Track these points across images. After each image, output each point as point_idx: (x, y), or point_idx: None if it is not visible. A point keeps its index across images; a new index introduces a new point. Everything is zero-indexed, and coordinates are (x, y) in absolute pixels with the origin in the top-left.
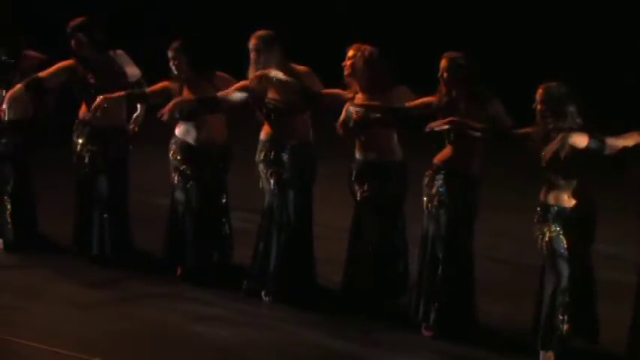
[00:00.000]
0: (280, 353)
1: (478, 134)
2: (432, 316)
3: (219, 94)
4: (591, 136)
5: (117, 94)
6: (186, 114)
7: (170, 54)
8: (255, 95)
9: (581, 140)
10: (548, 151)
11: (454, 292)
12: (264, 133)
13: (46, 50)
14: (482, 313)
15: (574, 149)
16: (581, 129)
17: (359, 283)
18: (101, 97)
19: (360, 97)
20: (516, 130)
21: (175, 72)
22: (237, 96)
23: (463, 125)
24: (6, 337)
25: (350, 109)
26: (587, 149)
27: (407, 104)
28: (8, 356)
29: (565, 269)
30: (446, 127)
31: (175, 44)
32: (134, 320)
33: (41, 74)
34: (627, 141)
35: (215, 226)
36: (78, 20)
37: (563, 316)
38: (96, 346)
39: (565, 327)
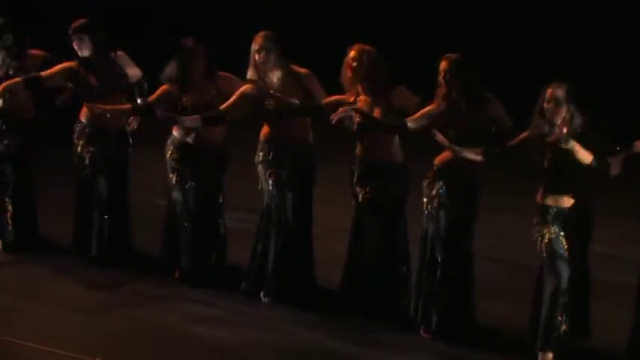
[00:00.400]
0: (280, 354)
1: (479, 159)
2: (432, 317)
3: (223, 107)
4: (596, 158)
5: (122, 107)
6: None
7: (192, 54)
8: (256, 100)
9: (584, 156)
10: (552, 137)
11: (453, 292)
12: (263, 134)
13: (46, 51)
14: (481, 314)
15: (575, 159)
16: (587, 130)
17: (359, 284)
18: (107, 108)
19: (362, 99)
20: (512, 142)
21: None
22: (240, 107)
23: (461, 157)
24: (6, 338)
25: (352, 112)
26: (589, 166)
27: (407, 119)
28: (8, 357)
29: (565, 270)
30: (447, 144)
31: (198, 46)
32: (134, 321)
33: (43, 73)
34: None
35: (212, 227)
36: (80, 21)
37: (562, 316)
38: (96, 347)
39: (564, 328)
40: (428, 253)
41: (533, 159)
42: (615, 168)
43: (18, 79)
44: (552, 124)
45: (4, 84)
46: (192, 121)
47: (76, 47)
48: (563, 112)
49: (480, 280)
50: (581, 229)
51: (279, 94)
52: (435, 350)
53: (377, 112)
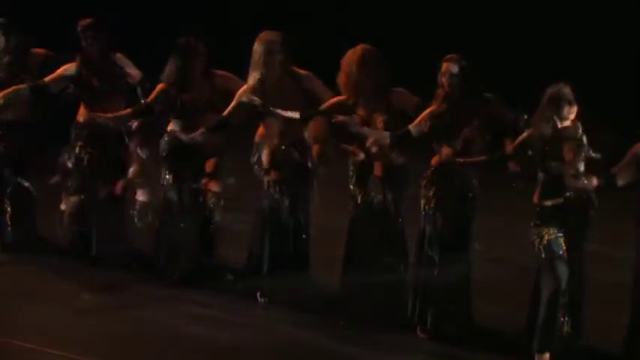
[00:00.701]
0: (277, 354)
1: (483, 160)
2: (429, 318)
3: (225, 113)
4: (600, 176)
5: (123, 112)
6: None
7: (192, 53)
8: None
9: (592, 183)
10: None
11: (450, 293)
12: (258, 135)
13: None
14: (479, 314)
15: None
16: (586, 132)
17: (357, 285)
18: (108, 116)
19: (362, 100)
20: (513, 145)
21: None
22: (239, 112)
23: (465, 163)
24: (3, 339)
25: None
26: (597, 188)
27: (410, 126)
28: (6, 358)
29: (564, 271)
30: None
31: (198, 45)
32: (132, 322)
33: (47, 79)
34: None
35: (206, 227)
36: (87, 20)
37: (564, 317)
38: (94, 348)
39: (567, 329)
40: (425, 253)
41: (533, 159)
42: (623, 177)
43: (23, 85)
44: (556, 123)
45: (10, 89)
46: (199, 135)
47: (85, 45)
48: (575, 111)
49: (478, 281)
50: (579, 229)
51: (278, 111)
52: (434, 351)
53: (379, 117)
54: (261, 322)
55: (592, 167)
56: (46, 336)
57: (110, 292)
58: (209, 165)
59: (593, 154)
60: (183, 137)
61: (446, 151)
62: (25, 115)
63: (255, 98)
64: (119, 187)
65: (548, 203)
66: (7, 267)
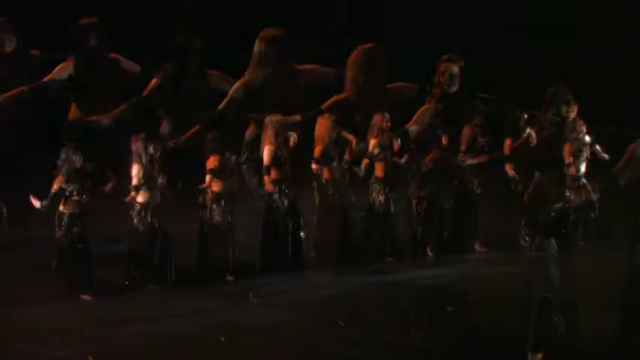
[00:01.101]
0: (277, 355)
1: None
2: (426, 318)
3: (219, 108)
4: (602, 180)
5: (119, 109)
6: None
7: (188, 52)
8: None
9: (595, 191)
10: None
11: (448, 293)
12: (248, 134)
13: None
14: (477, 315)
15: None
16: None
17: (354, 284)
18: (106, 117)
19: (364, 96)
20: (515, 145)
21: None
22: (232, 107)
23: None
24: (3, 340)
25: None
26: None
27: (408, 125)
28: (6, 358)
29: (556, 270)
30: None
31: (195, 44)
32: (132, 322)
33: (46, 79)
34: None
35: (206, 227)
36: (86, 20)
37: (558, 317)
38: (93, 348)
39: (560, 328)
40: (419, 253)
41: (533, 159)
42: (624, 176)
43: (23, 87)
44: (556, 123)
45: (11, 92)
46: (194, 133)
47: (83, 44)
48: (576, 110)
49: (476, 282)
50: (571, 228)
51: (280, 118)
52: (432, 351)
53: (383, 117)
54: (260, 322)
55: (593, 167)
56: (46, 336)
57: (110, 292)
58: (209, 163)
59: (601, 155)
60: (169, 143)
61: (444, 149)
62: (18, 115)
63: (256, 115)
64: (109, 187)
65: (543, 214)
66: (6, 267)
